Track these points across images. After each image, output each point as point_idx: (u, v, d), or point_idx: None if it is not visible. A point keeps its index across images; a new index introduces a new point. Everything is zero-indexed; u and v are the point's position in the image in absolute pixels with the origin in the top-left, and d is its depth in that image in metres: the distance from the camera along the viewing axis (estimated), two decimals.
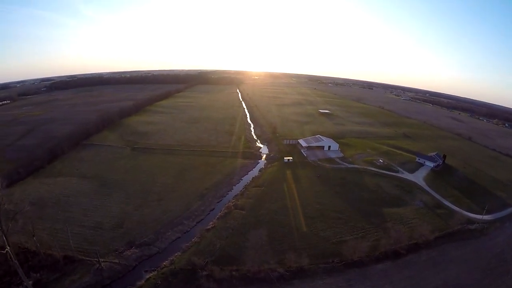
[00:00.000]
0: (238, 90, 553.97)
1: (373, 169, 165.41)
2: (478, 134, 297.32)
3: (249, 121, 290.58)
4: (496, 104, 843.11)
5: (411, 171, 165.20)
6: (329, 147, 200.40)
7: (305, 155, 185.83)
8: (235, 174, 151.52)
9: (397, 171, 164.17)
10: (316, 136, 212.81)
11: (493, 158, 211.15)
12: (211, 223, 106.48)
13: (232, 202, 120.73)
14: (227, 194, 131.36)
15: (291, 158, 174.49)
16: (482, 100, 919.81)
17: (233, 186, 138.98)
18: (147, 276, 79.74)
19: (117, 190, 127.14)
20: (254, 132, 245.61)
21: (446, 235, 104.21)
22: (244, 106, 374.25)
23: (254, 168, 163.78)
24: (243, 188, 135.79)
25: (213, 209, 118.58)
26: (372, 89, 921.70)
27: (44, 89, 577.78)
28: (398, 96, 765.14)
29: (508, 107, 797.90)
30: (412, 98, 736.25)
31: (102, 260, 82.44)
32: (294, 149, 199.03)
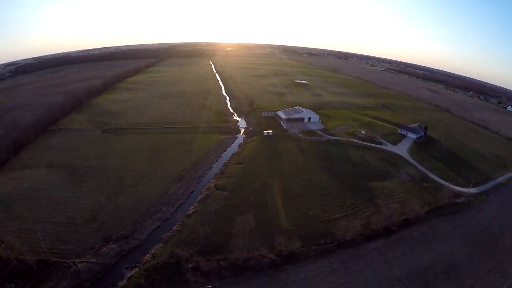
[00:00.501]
0: (211, 62, 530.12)
1: (356, 141, 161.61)
2: (455, 106, 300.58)
3: (225, 93, 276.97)
4: (471, 77, 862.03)
5: (394, 142, 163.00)
6: (309, 118, 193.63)
7: (285, 127, 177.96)
8: (213, 151, 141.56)
9: (380, 143, 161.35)
10: (296, 107, 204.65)
11: (472, 131, 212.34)
12: (191, 207, 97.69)
13: (213, 183, 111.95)
14: (206, 174, 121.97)
15: (271, 131, 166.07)
16: (457, 73, 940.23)
17: (212, 165, 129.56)
18: (129, 274, 71.20)
19: (88, 179, 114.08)
20: (230, 105, 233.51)
21: (434, 209, 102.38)
22: (218, 79, 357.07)
23: (232, 143, 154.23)
24: (222, 166, 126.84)
25: (193, 191, 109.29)
26: (347, 59, 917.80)
27: (9, 74, 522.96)
28: (373, 66, 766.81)
29: (483, 80, 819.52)
30: (387, 68, 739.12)
31: (78, 260, 72.92)
32: (273, 121, 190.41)
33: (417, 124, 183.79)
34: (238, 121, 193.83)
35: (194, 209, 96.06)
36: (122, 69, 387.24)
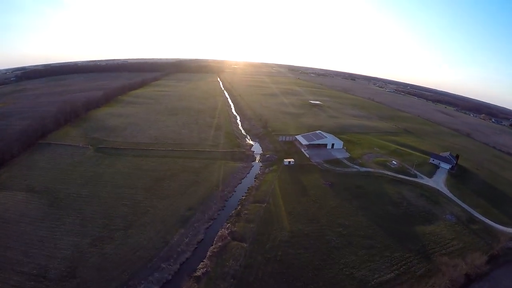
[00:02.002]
0: (218, 79, 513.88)
1: (389, 173, 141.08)
2: (473, 130, 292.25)
3: (234, 112, 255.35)
4: (476, 98, 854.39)
5: (429, 174, 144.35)
6: (333, 145, 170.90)
7: (307, 155, 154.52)
8: (226, 183, 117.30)
9: (415, 176, 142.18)
10: (317, 132, 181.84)
11: (498, 158, 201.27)
12: (201, 265, 73.83)
13: (227, 229, 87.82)
14: (218, 215, 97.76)
15: (292, 160, 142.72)
16: (461, 95, 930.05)
17: (225, 202, 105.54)
18: None
19: (71, 213, 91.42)
20: (241, 126, 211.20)
21: (491, 259, 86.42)
22: (227, 96, 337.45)
23: (248, 174, 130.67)
24: (238, 205, 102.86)
25: (202, 239, 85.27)
26: (354, 80, 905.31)
27: (14, 78, 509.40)
28: (381, 88, 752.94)
29: (487, 102, 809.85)
30: (396, 90, 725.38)
31: None
32: (292, 147, 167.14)
33: (449, 153, 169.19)
34: (252, 145, 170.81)
35: (205, 269, 72.17)
36: (127, 81, 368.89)
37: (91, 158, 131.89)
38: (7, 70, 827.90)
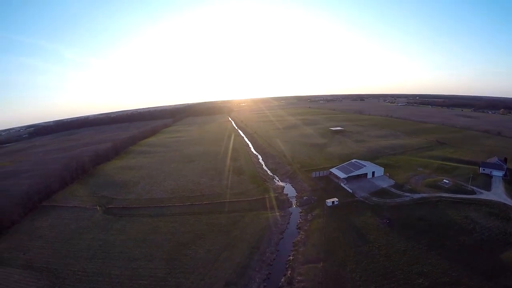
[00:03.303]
0: (229, 118, 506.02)
1: (445, 195, 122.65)
2: (501, 128, 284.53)
3: (254, 151, 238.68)
4: (485, 95, 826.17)
5: (486, 187, 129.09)
6: (373, 173, 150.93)
7: (349, 190, 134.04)
8: (265, 241, 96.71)
9: (473, 192, 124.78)
10: (352, 161, 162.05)
11: None
12: None
13: None
14: (264, 287, 76.17)
15: (336, 199, 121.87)
16: (469, 94, 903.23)
17: (269, 267, 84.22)
18: None
19: None
20: (266, 166, 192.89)
21: None
22: (242, 135, 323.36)
23: (288, 224, 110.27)
24: (287, 269, 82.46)
25: None
26: (364, 100, 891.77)
27: (26, 135, 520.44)
28: (392, 103, 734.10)
29: (495, 96, 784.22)
30: (407, 102, 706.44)
31: None
32: (329, 183, 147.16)
33: (496, 158, 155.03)
34: (283, 187, 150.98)
35: None
36: (138, 130, 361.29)
37: (100, 222, 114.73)
38: (21, 127, 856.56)
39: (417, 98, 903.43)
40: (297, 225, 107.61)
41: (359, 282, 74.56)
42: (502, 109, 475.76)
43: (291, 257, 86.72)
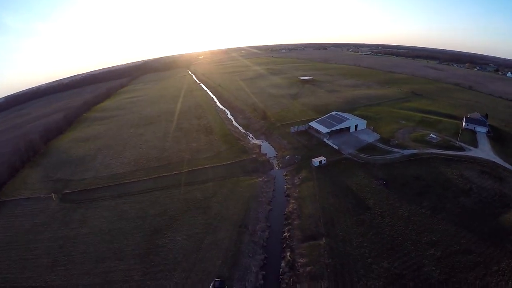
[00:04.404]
0: (189, 72, 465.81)
1: (435, 151, 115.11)
2: (470, 82, 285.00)
3: (221, 106, 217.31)
4: (448, 49, 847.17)
5: (473, 143, 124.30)
6: (356, 126, 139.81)
7: (335, 146, 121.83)
8: (252, 216, 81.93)
9: (462, 148, 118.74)
10: (332, 113, 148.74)
11: (510, 108, 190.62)
12: None
13: None
14: (263, 275, 63.33)
15: (323, 158, 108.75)
16: (432, 47, 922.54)
17: (264, 249, 70.58)
18: None
19: None
20: (236, 122, 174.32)
21: None
22: (205, 89, 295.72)
23: (273, 191, 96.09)
24: (286, 251, 69.17)
25: None
26: (326, 49, 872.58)
27: None
28: (356, 52, 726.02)
29: (459, 50, 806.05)
30: (372, 52, 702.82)
31: None
32: (310, 139, 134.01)
33: (478, 114, 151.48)
34: (259, 145, 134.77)
35: None
36: (92, 95, 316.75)
37: (57, 215, 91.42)
38: None
39: (380, 48, 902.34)
40: (285, 192, 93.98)
41: (370, 259, 64.24)
42: (468, 63, 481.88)
43: (286, 234, 73.50)
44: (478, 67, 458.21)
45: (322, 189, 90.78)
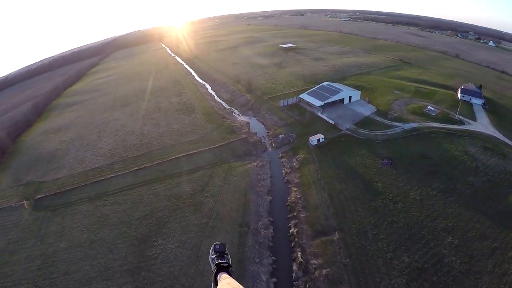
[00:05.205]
0: (163, 45, 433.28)
1: (436, 125, 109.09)
2: (455, 50, 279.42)
3: (200, 80, 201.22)
4: (426, 15, 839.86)
5: (471, 116, 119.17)
6: (350, 98, 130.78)
7: (331, 121, 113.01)
8: (253, 211, 71.58)
9: (461, 122, 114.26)
10: (323, 84, 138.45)
11: (501, 79, 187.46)
12: None
13: None
14: (274, 284, 54.54)
15: (321, 135, 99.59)
16: (410, 14, 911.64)
17: (270, 249, 62.21)
18: None
19: None
20: (219, 97, 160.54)
21: None
22: (181, 62, 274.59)
23: (271, 177, 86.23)
24: (296, 251, 60.96)
25: None
26: (303, 15, 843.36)
27: None
28: (334, 18, 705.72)
29: (436, 17, 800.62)
30: (351, 18, 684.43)
31: None
32: (302, 113, 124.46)
33: (473, 85, 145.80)
34: (247, 122, 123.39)
35: None
36: (62, 78, 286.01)
37: (31, 227, 76.70)
38: None
39: (358, 14, 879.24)
40: (284, 177, 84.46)
41: (390, 254, 57.79)
42: (449, 31, 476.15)
43: (293, 230, 64.82)
44: (459, 35, 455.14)
45: (325, 173, 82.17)
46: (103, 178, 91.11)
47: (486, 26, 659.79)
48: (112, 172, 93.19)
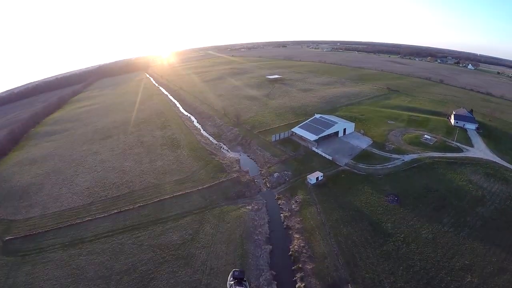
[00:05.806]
0: (147, 75, 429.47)
1: (436, 154, 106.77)
2: (439, 75, 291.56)
3: (186, 112, 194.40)
4: (404, 43, 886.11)
5: (467, 142, 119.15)
6: (344, 130, 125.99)
7: (327, 156, 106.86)
8: (253, 266, 62.35)
9: (459, 149, 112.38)
10: (316, 117, 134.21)
11: (487, 101, 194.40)
12: None
13: None
14: None
15: (320, 173, 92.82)
16: (388, 42, 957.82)
17: None
18: None
19: None
20: (205, 131, 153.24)
21: None
22: (166, 93, 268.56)
23: (268, 222, 77.96)
24: None
25: None
26: (286, 47, 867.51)
27: None
28: (317, 49, 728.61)
29: (414, 44, 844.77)
30: (333, 48, 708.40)
31: None
32: (296, 148, 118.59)
33: (464, 110, 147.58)
34: (237, 159, 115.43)
35: None
36: (42, 104, 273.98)
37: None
38: None
39: (339, 44, 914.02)
40: (283, 222, 76.07)
41: None
42: (429, 57, 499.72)
43: (300, 284, 56.09)
44: (439, 60, 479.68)
45: (329, 216, 74.68)
46: (79, 221, 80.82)
47: (461, 50, 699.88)
48: (89, 215, 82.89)
